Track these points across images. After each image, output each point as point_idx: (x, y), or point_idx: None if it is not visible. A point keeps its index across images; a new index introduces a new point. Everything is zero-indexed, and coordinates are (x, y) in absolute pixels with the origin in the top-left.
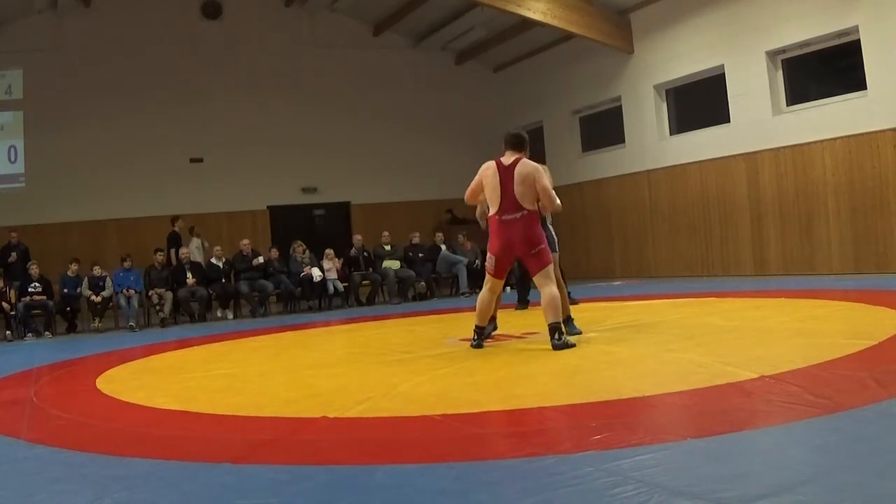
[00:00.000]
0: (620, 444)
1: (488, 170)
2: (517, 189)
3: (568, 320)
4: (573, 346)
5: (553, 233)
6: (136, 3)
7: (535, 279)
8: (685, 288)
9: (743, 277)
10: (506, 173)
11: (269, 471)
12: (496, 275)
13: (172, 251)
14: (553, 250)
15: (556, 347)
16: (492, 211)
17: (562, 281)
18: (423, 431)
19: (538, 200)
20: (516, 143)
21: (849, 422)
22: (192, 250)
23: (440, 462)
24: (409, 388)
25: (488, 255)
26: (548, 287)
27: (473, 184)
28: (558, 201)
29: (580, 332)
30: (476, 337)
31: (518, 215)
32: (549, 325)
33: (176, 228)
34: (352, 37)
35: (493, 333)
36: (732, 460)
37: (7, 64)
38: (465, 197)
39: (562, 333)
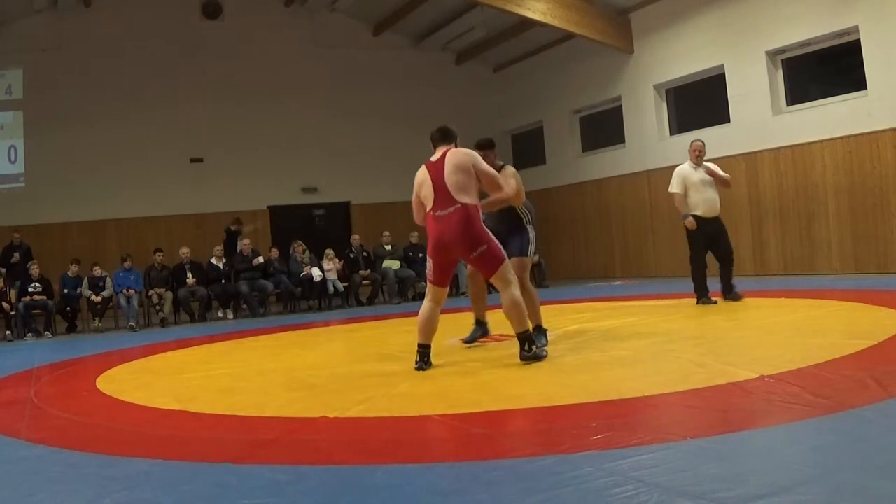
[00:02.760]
0: (620, 444)
1: (419, 176)
2: (449, 179)
3: (539, 329)
4: (544, 357)
5: (532, 236)
6: (136, 3)
7: (492, 283)
8: (685, 288)
9: (743, 277)
10: (435, 167)
11: (269, 471)
12: (436, 281)
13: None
14: (524, 254)
15: (523, 359)
16: (427, 208)
17: (531, 287)
18: (423, 431)
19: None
20: (444, 136)
21: (849, 422)
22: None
23: (440, 462)
24: (409, 388)
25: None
26: (507, 291)
27: (413, 202)
28: (510, 186)
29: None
30: (420, 358)
31: (451, 209)
32: (516, 335)
33: (233, 228)
34: (352, 37)
35: (483, 337)
36: (732, 460)
37: (7, 64)
38: (415, 219)
39: (532, 344)
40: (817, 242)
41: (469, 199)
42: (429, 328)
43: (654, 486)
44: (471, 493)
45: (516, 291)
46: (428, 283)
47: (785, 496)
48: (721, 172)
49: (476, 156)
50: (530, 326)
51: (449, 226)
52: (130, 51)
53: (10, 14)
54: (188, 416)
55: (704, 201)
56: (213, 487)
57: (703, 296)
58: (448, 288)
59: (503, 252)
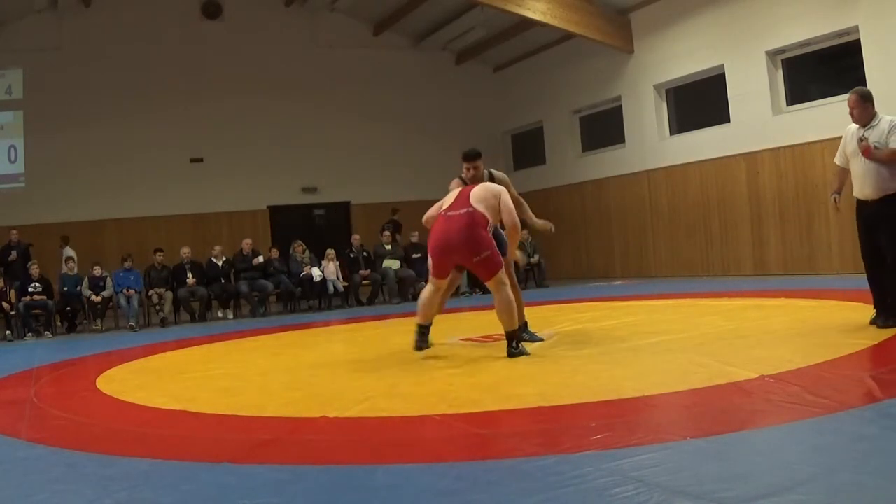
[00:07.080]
0: (620, 444)
1: (453, 186)
2: (475, 191)
3: (524, 326)
4: (528, 354)
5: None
6: (136, 4)
7: (488, 286)
8: (685, 288)
9: (743, 277)
10: (471, 186)
11: (269, 471)
12: (436, 275)
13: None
14: (504, 255)
15: (511, 356)
16: (441, 210)
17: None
18: (423, 431)
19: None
20: (473, 156)
21: (849, 422)
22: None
23: (440, 462)
24: (409, 388)
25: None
26: (501, 292)
27: (434, 205)
28: (516, 219)
29: (541, 340)
30: (418, 339)
31: (463, 211)
32: (505, 332)
33: (396, 217)
34: (352, 37)
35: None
36: (732, 460)
37: (7, 64)
38: (424, 217)
39: (519, 341)
40: (817, 242)
41: (482, 209)
42: (428, 309)
43: (654, 486)
44: (471, 493)
45: (510, 293)
46: (430, 276)
47: (785, 496)
48: (873, 147)
49: (505, 191)
50: (517, 326)
51: (455, 227)
52: (130, 50)
53: (10, 14)
54: (188, 416)
55: (861, 176)
56: (213, 487)
57: (875, 307)
58: (448, 278)
59: (501, 259)
